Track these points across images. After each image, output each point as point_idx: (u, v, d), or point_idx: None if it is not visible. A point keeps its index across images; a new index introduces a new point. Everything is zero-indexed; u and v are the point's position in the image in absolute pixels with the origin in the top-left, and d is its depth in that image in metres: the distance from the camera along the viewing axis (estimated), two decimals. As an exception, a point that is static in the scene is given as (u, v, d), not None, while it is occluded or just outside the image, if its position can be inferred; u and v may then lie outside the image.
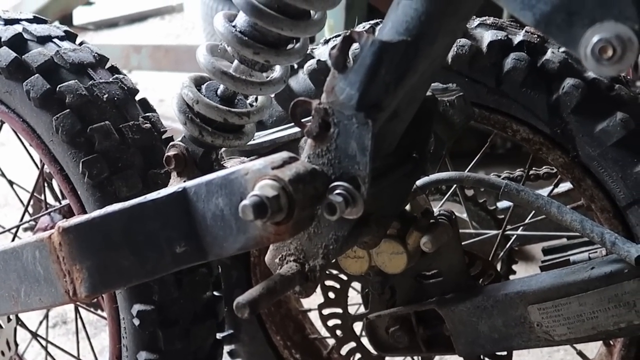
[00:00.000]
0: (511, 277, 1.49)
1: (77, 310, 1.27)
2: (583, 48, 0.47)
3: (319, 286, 1.04)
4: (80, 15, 4.54)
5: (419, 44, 0.61)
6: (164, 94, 3.31)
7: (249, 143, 0.88)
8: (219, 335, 1.06)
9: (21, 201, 1.29)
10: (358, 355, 1.11)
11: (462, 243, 0.93)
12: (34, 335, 1.28)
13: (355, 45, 0.61)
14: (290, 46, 0.78)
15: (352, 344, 1.11)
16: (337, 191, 0.62)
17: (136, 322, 0.95)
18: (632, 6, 0.45)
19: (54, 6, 3.38)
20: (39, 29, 0.99)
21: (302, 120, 0.65)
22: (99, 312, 1.29)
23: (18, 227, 1.20)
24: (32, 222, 1.31)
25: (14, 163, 1.54)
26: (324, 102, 0.63)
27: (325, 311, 1.10)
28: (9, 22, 1.00)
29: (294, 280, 0.69)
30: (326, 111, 0.62)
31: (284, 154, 0.62)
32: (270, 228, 0.61)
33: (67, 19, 3.70)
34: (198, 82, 0.84)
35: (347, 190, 0.62)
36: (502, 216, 1.55)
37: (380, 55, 0.59)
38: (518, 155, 2.23)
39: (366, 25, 0.99)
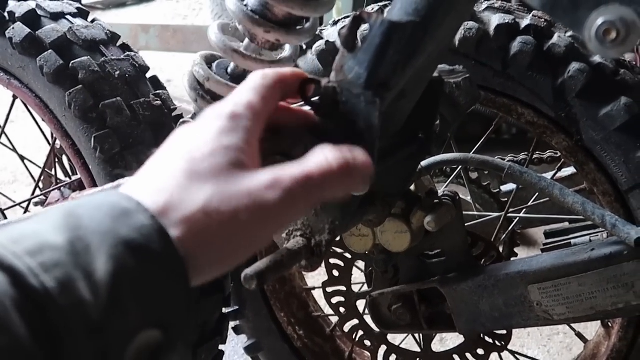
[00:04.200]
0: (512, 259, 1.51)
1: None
2: (587, 30, 0.48)
3: (323, 264, 1.06)
4: (89, -6, 4.54)
5: (427, 25, 0.62)
6: (172, 74, 3.32)
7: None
8: (225, 310, 1.08)
9: (32, 176, 1.31)
10: (360, 332, 1.13)
11: (466, 224, 0.95)
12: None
13: (363, 27, 0.62)
14: (300, 26, 0.79)
15: (355, 321, 1.13)
16: (345, 168, 0.64)
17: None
18: (636, -10, 0.46)
19: (62, -16, 3.38)
20: (52, 6, 1.01)
21: (311, 99, 0.66)
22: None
23: (29, 201, 1.22)
24: (43, 197, 1.33)
25: (22, 140, 1.56)
26: (333, 81, 0.64)
27: (330, 289, 1.12)
28: (23, -2, 1.02)
29: (301, 254, 0.71)
30: (335, 89, 0.64)
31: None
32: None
33: (75, -2, 3.69)
34: (209, 60, 0.86)
35: (354, 167, 0.63)
36: (505, 199, 1.57)
37: (389, 35, 0.60)
38: (523, 140, 2.24)
39: (375, 7, 1.00)
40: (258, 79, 0.51)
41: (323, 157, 0.49)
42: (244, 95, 0.50)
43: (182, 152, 0.45)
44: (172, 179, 0.43)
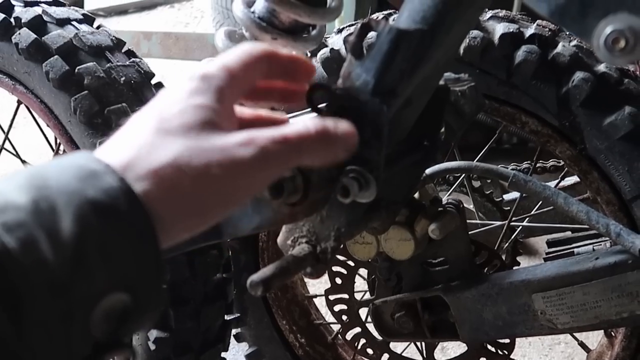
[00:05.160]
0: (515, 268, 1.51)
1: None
2: (596, 39, 0.48)
3: (326, 272, 1.06)
4: (91, 1, 4.55)
5: (434, 33, 0.62)
6: (174, 81, 3.32)
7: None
8: (227, 317, 1.08)
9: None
10: (363, 341, 1.13)
11: (469, 233, 0.95)
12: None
13: (369, 35, 0.62)
14: (307, 33, 0.80)
15: (357, 329, 1.13)
16: (351, 175, 0.64)
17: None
18: (644, -1, 0.47)
19: (65, -9, 3.39)
20: (58, 12, 1.01)
21: (318, 105, 0.67)
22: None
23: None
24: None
25: (23, 146, 1.56)
26: (340, 88, 0.64)
27: (332, 296, 1.12)
28: (29, 4, 1.02)
29: (306, 261, 0.71)
30: (342, 96, 0.64)
31: (300, 137, 0.64)
32: (285, 209, 0.62)
33: (78, 5, 3.71)
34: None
35: (361, 174, 0.64)
36: (508, 208, 1.57)
37: (397, 42, 0.60)
38: (524, 150, 2.24)
39: (380, 15, 1.00)
40: (245, 46, 0.50)
41: (302, 123, 0.49)
42: (222, 58, 0.48)
43: (152, 113, 0.44)
44: (140, 138, 0.42)
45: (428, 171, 0.91)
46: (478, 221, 1.30)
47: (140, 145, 0.42)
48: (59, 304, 0.36)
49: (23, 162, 1.33)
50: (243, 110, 0.53)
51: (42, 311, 0.36)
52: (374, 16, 0.99)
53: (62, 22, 1.00)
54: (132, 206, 0.39)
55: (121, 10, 5.03)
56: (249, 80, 0.50)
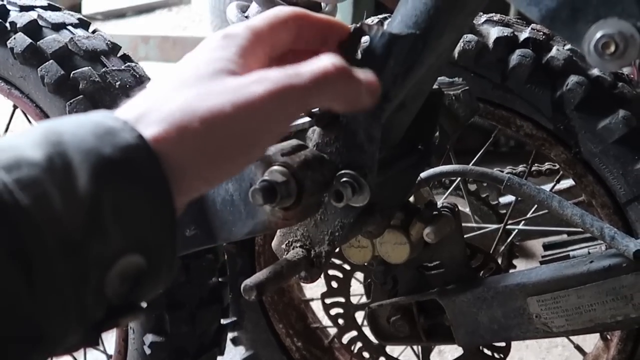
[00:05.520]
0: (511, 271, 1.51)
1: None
2: (586, 43, 0.48)
3: (322, 276, 1.06)
4: (89, 5, 4.55)
5: (427, 37, 0.62)
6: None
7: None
8: (223, 321, 1.08)
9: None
10: (359, 344, 1.13)
11: (464, 236, 0.95)
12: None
13: (363, 40, 0.63)
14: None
15: (354, 333, 1.13)
16: (344, 179, 0.64)
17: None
18: (635, 4, 0.47)
19: (63, -5, 3.40)
20: (54, 16, 1.01)
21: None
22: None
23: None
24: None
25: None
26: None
27: (328, 300, 1.12)
28: (25, 8, 1.02)
29: (300, 265, 0.71)
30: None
31: (293, 142, 0.64)
32: (279, 213, 0.63)
33: (75, 9, 3.71)
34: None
35: (354, 178, 0.64)
36: (504, 211, 1.57)
37: (390, 47, 0.60)
38: (521, 153, 2.25)
39: (374, 19, 1.01)
40: (275, 9, 0.49)
41: (323, 59, 0.45)
42: (249, 21, 0.47)
43: (172, 71, 0.44)
44: (156, 93, 0.42)
45: (423, 175, 0.92)
46: (474, 224, 1.30)
47: (154, 99, 0.41)
48: (72, 264, 0.35)
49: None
50: None
51: (55, 271, 0.35)
52: (368, 20, 1.00)
53: (58, 27, 1.00)
54: (149, 165, 0.38)
55: (119, 14, 5.04)
56: (275, 42, 0.48)
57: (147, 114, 0.40)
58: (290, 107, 0.43)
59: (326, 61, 0.45)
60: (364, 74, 0.48)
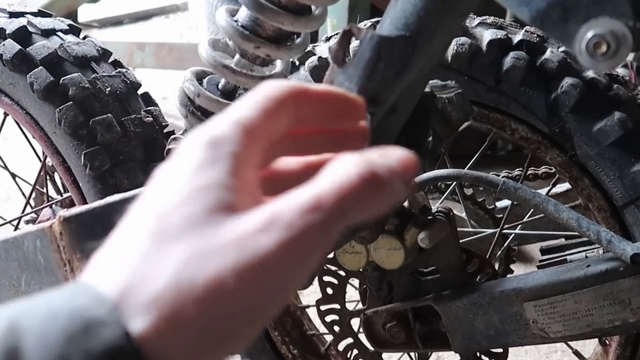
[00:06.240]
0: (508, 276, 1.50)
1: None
2: (578, 43, 0.48)
3: (317, 282, 1.05)
4: (85, 13, 4.56)
5: (417, 39, 0.62)
6: (167, 91, 3.32)
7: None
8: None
9: (23, 194, 1.30)
10: (355, 351, 1.12)
11: (461, 241, 0.94)
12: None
13: (355, 42, 0.62)
14: (290, 41, 0.79)
15: (350, 340, 1.12)
16: (335, 184, 0.63)
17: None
18: (626, 3, 0.46)
19: (59, 3, 3.40)
20: (44, 22, 1.01)
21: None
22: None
23: (19, 219, 1.21)
24: (34, 215, 1.32)
25: (15, 158, 1.55)
26: None
27: (323, 307, 1.11)
28: (14, 15, 1.01)
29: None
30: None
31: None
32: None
33: (72, 16, 3.71)
34: (200, 76, 0.85)
35: (345, 183, 0.63)
36: (501, 215, 1.56)
37: (379, 49, 0.59)
38: (519, 157, 2.24)
39: (367, 22, 1.00)
40: (265, 88, 0.37)
41: (343, 167, 0.33)
42: (235, 110, 0.36)
43: (150, 205, 0.33)
44: (135, 248, 0.32)
45: (417, 179, 0.91)
46: (470, 229, 1.29)
47: (135, 260, 0.31)
48: None
49: (12, 174, 1.32)
50: (287, 162, 0.40)
51: None
52: (361, 24, 0.99)
53: (47, 33, 0.99)
54: None
55: (116, 22, 5.04)
56: (272, 132, 0.37)
57: (130, 294, 0.31)
58: (310, 258, 0.32)
59: (348, 170, 0.32)
60: (397, 160, 0.34)
